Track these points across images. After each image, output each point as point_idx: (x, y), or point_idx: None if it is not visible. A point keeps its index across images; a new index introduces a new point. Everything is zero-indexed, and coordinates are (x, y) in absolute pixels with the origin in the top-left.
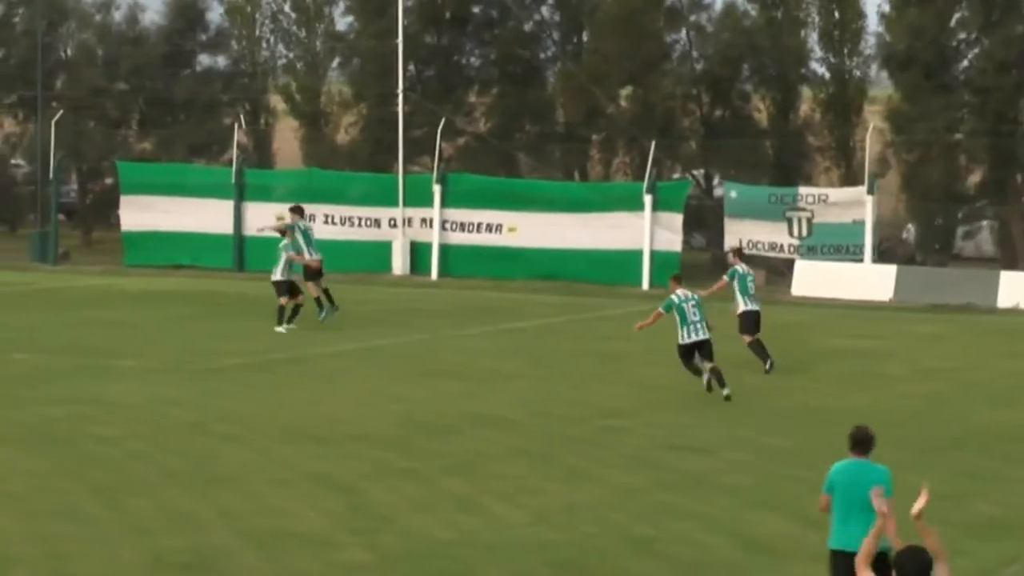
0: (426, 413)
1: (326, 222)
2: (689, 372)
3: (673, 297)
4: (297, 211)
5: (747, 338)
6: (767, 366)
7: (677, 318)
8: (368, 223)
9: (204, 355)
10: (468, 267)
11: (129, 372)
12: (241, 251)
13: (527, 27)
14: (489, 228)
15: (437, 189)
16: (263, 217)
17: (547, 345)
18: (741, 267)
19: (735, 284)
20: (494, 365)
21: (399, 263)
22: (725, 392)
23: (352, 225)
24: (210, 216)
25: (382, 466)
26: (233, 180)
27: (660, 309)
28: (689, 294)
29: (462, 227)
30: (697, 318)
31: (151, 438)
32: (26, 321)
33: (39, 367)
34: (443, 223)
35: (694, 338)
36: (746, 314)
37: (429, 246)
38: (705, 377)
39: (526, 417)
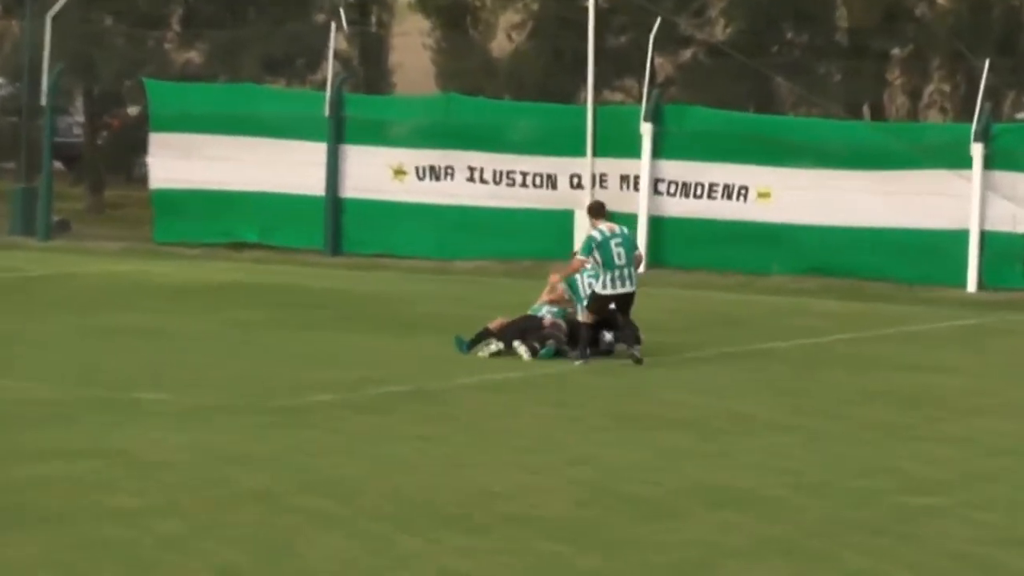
0: (627, 483)
1: (471, 179)
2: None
3: (595, 233)
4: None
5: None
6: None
7: (599, 260)
8: (538, 182)
9: (281, 386)
10: (693, 253)
11: (165, 410)
12: (337, 223)
13: None
14: (728, 192)
15: (647, 129)
16: (372, 168)
17: (818, 378)
18: (601, 229)
19: (596, 255)
20: (735, 408)
21: None
22: (636, 353)
23: (513, 184)
24: (291, 167)
25: (559, 565)
26: (327, 111)
27: (579, 255)
28: (617, 230)
29: (685, 190)
30: (623, 262)
31: (198, 515)
32: (5, 329)
33: (26, 401)
34: (655, 183)
35: (619, 289)
36: (603, 298)
37: (633, 218)
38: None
39: (785, 491)
